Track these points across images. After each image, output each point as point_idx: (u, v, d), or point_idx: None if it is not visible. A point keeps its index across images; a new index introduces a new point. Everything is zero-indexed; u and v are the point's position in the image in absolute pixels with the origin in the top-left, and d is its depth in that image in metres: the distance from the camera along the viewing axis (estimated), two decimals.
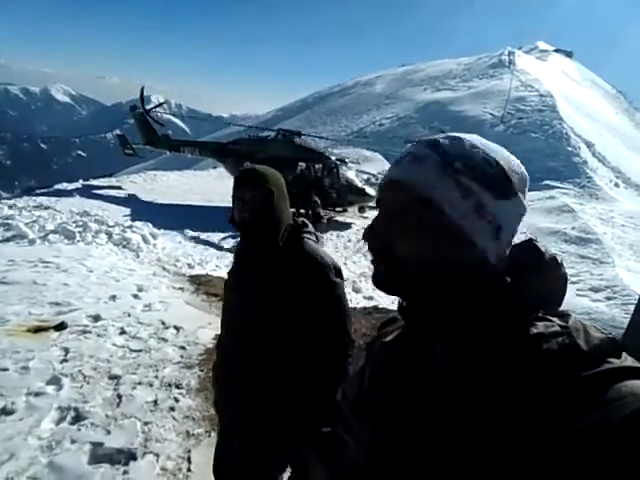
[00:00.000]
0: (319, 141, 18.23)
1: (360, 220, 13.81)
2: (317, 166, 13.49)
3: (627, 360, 0.49)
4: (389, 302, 6.90)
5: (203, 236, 10.17)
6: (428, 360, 0.57)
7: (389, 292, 0.60)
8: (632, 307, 6.91)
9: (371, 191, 14.22)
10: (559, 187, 18.80)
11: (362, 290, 7.46)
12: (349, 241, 11.56)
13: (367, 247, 0.61)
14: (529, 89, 30.60)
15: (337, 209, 13.80)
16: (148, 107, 15.82)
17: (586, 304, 7.34)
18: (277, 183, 1.39)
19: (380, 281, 0.59)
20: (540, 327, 0.52)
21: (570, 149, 22.39)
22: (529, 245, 0.62)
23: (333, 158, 14.03)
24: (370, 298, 7.12)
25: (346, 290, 5.36)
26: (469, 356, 0.54)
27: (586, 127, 27.34)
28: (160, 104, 18.88)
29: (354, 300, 6.90)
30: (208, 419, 2.46)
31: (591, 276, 8.72)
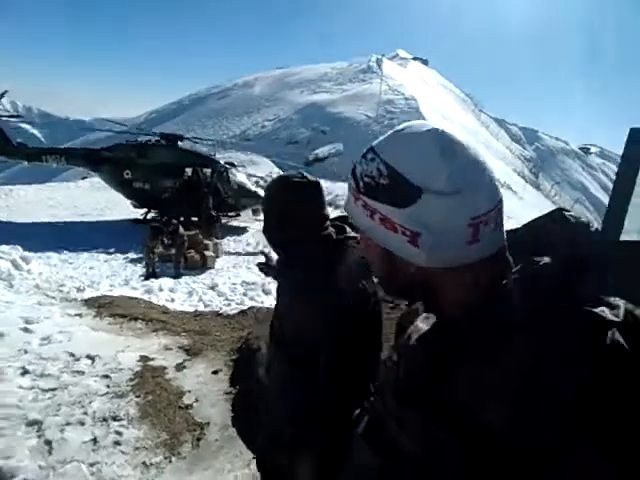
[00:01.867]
0: (201, 145, 17.61)
1: (255, 223, 13.73)
2: (205, 170, 13.03)
3: None
4: None
5: (83, 255, 9.13)
6: (467, 357, 0.55)
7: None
8: None
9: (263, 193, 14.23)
10: None
11: (272, 292, 7.47)
12: (248, 245, 11.46)
13: None
14: (396, 93, 33.61)
15: (230, 214, 13.51)
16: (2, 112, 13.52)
17: None
18: None
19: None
20: (586, 318, 0.50)
21: None
22: (558, 216, 0.63)
23: (222, 162, 13.69)
24: None
25: (256, 292, 5.37)
26: (507, 345, 0.52)
27: (444, 126, 30.88)
28: (16, 116, 16.27)
29: (266, 302, 6.90)
30: (163, 445, 2.30)
31: None
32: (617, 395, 0.46)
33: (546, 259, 0.56)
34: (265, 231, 1.24)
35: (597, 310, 0.50)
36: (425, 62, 60.81)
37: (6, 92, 13.93)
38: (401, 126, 0.59)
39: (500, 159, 35.88)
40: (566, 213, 0.62)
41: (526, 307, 0.53)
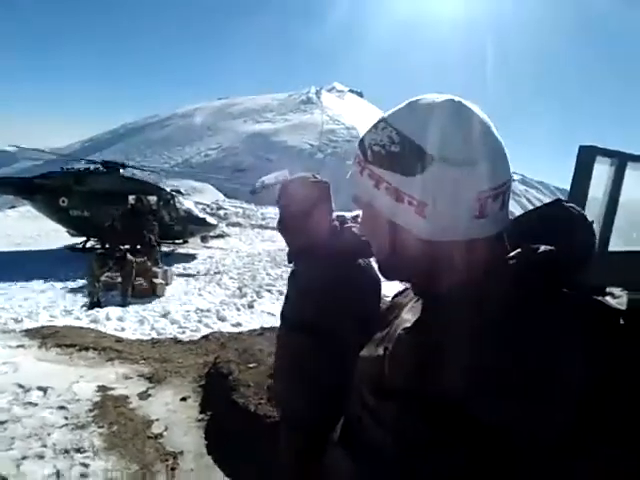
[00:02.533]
0: (144, 173, 17.09)
1: (204, 250, 13.41)
2: (150, 198, 12.62)
3: None
4: (257, 326, 6.93)
5: (16, 286, 8.39)
6: (462, 342, 0.52)
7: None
8: None
9: (212, 220, 13.99)
10: None
11: (227, 318, 7.28)
12: (198, 272, 11.11)
13: None
14: (336, 122, 35.01)
15: (177, 241, 13.11)
16: None
17: None
18: None
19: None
20: (599, 311, 0.50)
21: None
22: (558, 205, 0.63)
23: (168, 189, 13.35)
24: (238, 324, 7.01)
25: (211, 320, 5.26)
26: (505, 331, 0.50)
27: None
28: None
29: (222, 329, 6.68)
30: (134, 477, 2.14)
31: None
32: (632, 388, 0.45)
33: (545, 247, 0.55)
34: (280, 222, 1.33)
35: (601, 299, 0.50)
36: (360, 94, 63.99)
37: None
38: (416, 97, 0.58)
39: None
40: (566, 204, 0.63)
41: (526, 290, 0.51)
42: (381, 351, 0.65)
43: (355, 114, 43.82)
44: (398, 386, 0.58)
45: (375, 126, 0.58)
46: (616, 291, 0.52)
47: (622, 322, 0.48)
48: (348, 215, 1.54)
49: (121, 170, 12.95)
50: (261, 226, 17.48)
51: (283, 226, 1.35)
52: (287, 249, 1.40)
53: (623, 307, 0.49)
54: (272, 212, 19.12)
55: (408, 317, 0.65)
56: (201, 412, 2.95)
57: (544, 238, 0.56)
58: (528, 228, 0.59)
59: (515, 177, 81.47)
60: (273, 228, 17.12)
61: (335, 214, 1.42)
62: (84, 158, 15.17)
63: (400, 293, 0.77)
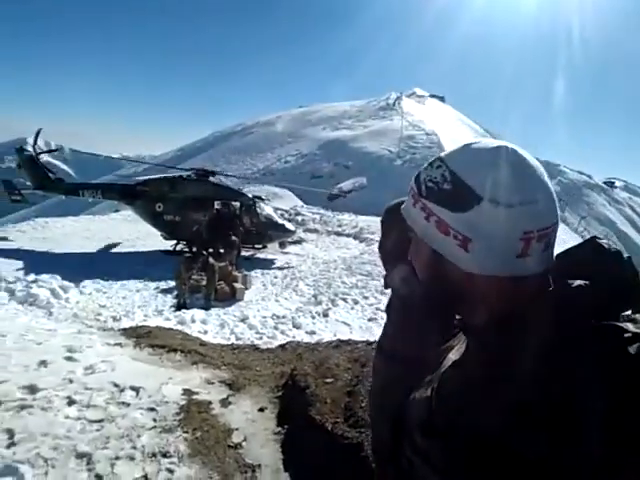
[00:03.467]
0: (226, 179, 18.05)
1: (282, 256, 13.77)
2: (234, 204, 13.29)
3: None
4: (332, 335, 6.92)
5: (116, 285, 9.25)
6: (500, 376, 0.56)
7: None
8: None
9: (290, 226, 14.34)
10: None
11: (302, 326, 7.36)
12: (275, 277, 11.41)
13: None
14: (416, 128, 34.21)
15: (257, 246, 13.63)
16: (39, 150, 14.23)
17: None
18: None
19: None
20: (613, 335, 0.52)
21: None
22: (592, 244, 0.64)
23: (250, 195, 13.96)
24: (312, 332, 7.06)
25: (287, 327, 5.30)
26: (545, 370, 0.53)
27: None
28: (54, 150, 17.18)
29: (297, 336, 6.78)
30: None
31: None
32: None
33: (579, 282, 0.58)
34: (381, 247, 1.26)
35: (621, 324, 0.53)
36: (442, 99, 61.91)
37: (40, 130, 14.67)
38: (471, 140, 0.63)
39: None
40: (600, 241, 0.63)
41: (561, 326, 0.54)
42: (429, 392, 0.69)
43: (436, 119, 42.52)
44: (445, 423, 0.61)
45: (431, 164, 0.64)
46: (637, 316, 0.55)
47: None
48: None
49: (210, 177, 13.82)
50: (337, 233, 17.53)
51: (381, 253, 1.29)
52: (383, 273, 1.33)
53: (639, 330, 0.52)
54: (348, 219, 19.14)
55: (453, 357, 0.70)
56: (278, 425, 2.97)
57: (579, 275, 0.58)
58: (565, 266, 0.62)
59: (617, 183, 73.67)
60: (348, 235, 17.13)
61: None
62: (175, 167, 16.42)
63: (450, 337, 0.81)
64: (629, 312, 0.56)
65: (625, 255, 0.61)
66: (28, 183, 14.21)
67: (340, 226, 18.39)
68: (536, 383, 0.52)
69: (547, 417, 0.50)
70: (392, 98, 45.74)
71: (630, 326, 0.53)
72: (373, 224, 17.67)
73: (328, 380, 3.21)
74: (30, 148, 14.28)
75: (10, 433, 2.46)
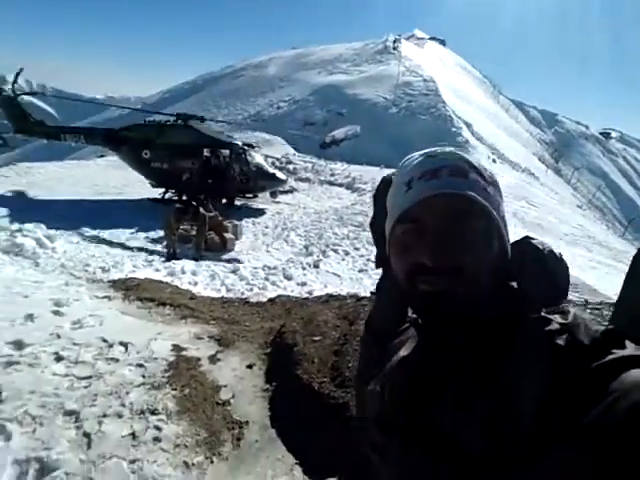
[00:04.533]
0: (216, 125, 17.39)
1: (273, 205, 13.63)
2: (223, 152, 12.90)
3: (630, 348, 0.50)
4: (322, 286, 6.97)
5: (104, 234, 9.11)
6: (453, 373, 0.58)
7: (451, 306, 0.58)
8: None
9: (282, 175, 14.06)
10: None
11: (293, 277, 7.38)
12: (266, 227, 11.34)
13: (434, 269, 0.57)
14: (414, 74, 32.77)
15: (248, 195, 13.42)
16: (14, 88, 13.42)
17: None
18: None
19: (458, 302, 0.57)
20: (542, 327, 0.55)
21: (454, 129, 24.69)
22: (525, 242, 0.65)
23: (239, 143, 13.52)
24: (303, 284, 7.09)
25: (278, 278, 5.30)
26: (489, 364, 0.56)
27: (464, 109, 30.29)
28: (36, 93, 16.24)
29: (288, 288, 6.81)
30: (203, 444, 2.22)
31: None
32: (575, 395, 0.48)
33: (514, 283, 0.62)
34: (373, 224, 1.15)
35: (550, 316, 0.56)
36: (442, 42, 59.14)
37: (21, 70, 13.85)
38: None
39: (521, 143, 35.06)
40: (534, 241, 0.65)
41: (498, 321, 0.58)
42: (379, 388, 0.71)
43: (435, 65, 40.78)
44: (394, 419, 0.63)
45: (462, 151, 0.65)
46: (566, 308, 0.58)
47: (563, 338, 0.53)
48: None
49: (199, 123, 13.28)
50: (330, 182, 17.29)
51: (373, 227, 1.18)
52: (375, 251, 1.24)
53: (567, 321, 0.55)
54: (340, 168, 18.80)
55: (403, 352, 0.71)
56: (266, 382, 3.00)
57: (516, 275, 0.62)
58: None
59: (613, 134, 72.80)
60: (341, 185, 16.90)
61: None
62: (160, 112, 15.73)
63: (402, 332, 0.81)
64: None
65: (557, 253, 0.64)
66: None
67: (332, 175, 18.10)
68: (473, 379, 0.55)
69: (484, 411, 0.52)
70: (390, 40, 43.40)
71: (558, 317, 0.56)
72: (365, 174, 17.39)
73: (316, 338, 3.22)
74: (8, 88, 13.48)
75: None
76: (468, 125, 26.44)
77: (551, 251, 0.64)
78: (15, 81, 13.53)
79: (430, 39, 56.17)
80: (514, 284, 0.62)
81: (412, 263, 0.59)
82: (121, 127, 13.27)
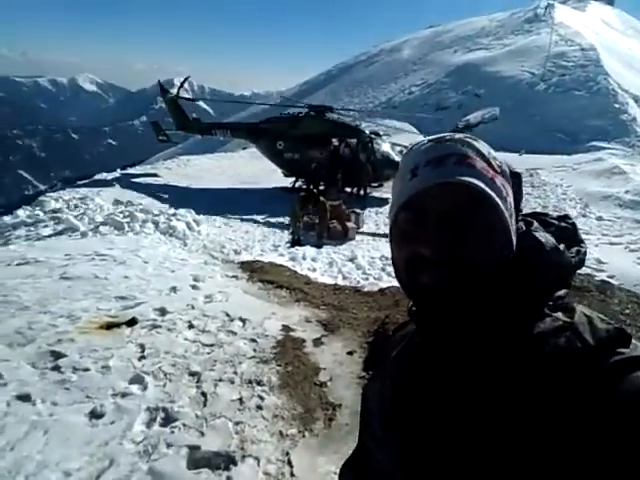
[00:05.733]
0: (346, 114, 17.77)
1: None
2: (351, 141, 13.15)
3: (638, 349, 0.49)
4: None
5: (241, 219, 10.18)
6: (449, 370, 0.58)
7: (450, 299, 0.56)
8: None
9: None
10: (607, 148, 17.69)
11: None
12: (388, 217, 11.30)
13: (434, 261, 0.55)
14: (569, 43, 28.56)
15: (373, 184, 13.50)
16: (179, 92, 15.76)
17: None
18: None
19: (445, 288, 0.55)
20: (544, 325, 0.53)
21: (617, 106, 20.93)
22: (529, 235, 0.62)
23: (367, 131, 13.62)
24: None
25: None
26: (487, 363, 0.54)
27: (633, 81, 25.40)
28: (193, 99, 18.91)
29: None
30: (298, 418, 2.41)
31: None
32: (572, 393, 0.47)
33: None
34: None
35: (555, 314, 0.55)
36: (610, 1, 50.01)
37: (188, 77, 16.15)
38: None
39: None
40: (536, 234, 0.62)
41: (499, 314, 0.57)
42: (378, 384, 0.72)
43: (598, 29, 34.91)
44: (400, 416, 0.62)
45: (475, 139, 0.63)
46: (570, 304, 0.57)
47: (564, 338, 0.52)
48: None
49: (327, 113, 13.80)
50: None
51: None
52: None
53: (572, 320, 0.53)
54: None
55: (408, 354, 0.69)
56: (364, 369, 3.08)
57: (518, 268, 0.59)
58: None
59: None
60: None
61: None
62: (293, 105, 16.69)
63: (401, 327, 0.83)
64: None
65: (561, 247, 0.61)
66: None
67: None
68: (470, 378, 0.54)
69: (477, 407, 0.52)
70: (542, 6, 38.37)
71: (561, 315, 0.54)
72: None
73: None
74: (174, 91, 15.85)
75: (142, 348, 3.01)
76: (637, 100, 22.09)
77: (554, 244, 0.61)
78: (182, 86, 15.84)
79: None
80: (516, 277, 0.59)
81: (412, 253, 0.58)
82: (260, 121, 14.55)
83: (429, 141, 0.63)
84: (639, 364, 0.47)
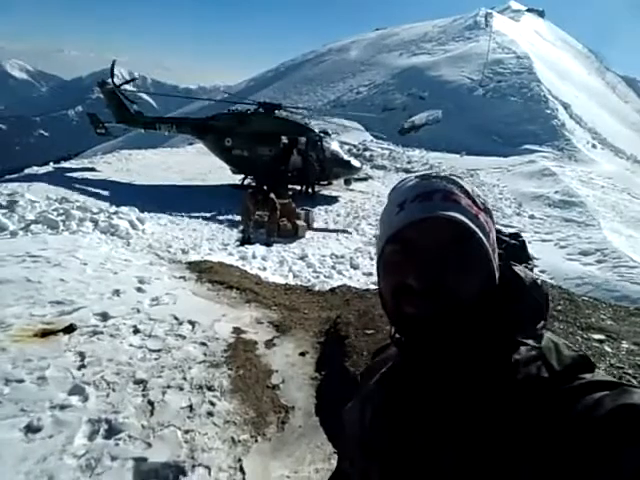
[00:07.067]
0: (296, 112, 17.75)
1: (347, 193, 13.67)
2: (300, 139, 13.16)
3: (598, 375, 0.54)
4: None
5: (188, 217, 9.86)
6: (429, 395, 0.60)
7: (433, 329, 0.58)
8: (623, 270, 7.13)
9: (356, 163, 14.02)
10: (539, 151, 19.04)
11: (360, 267, 7.40)
12: (338, 215, 11.45)
13: (418, 292, 0.58)
14: (506, 51, 30.43)
15: (322, 182, 13.60)
16: (118, 82, 14.88)
17: (578, 268, 7.48)
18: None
19: (429, 318, 0.58)
20: (519, 355, 0.57)
21: (548, 111, 22.60)
22: (508, 268, 0.64)
23: (316, 130, 13.69)
24: (369, 274, 7.09)
25: (345, 267, 5.29)
26: (467, 389, 0.57)
27: (562, 88, 27.56)
28: (131, 80, 17.87)
29: (354, 277, 6.87)
30: (250, 423, 2.37)
31: (579, 240, 8.88)
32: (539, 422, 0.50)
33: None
34: None
35: (528, 341, 0.58)
36: (541, 14, 53.85)
37: (115, 61, 14.99)
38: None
39: (630, 127, 31.05)
40: (516, 268, 0.64)
41: (478, 344, 0.59)
42: (358, 412, 0.72)
43: (531, 40, 37.39)
44: (381, 448, 0.63)
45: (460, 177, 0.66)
46: (540, 332, 0.60)
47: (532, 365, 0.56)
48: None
49: (277, 111, 13.69)
50: (406, 170, 16.87)
51: None
52: None
53: (540, 345, 0.58)
54: (418, 155, 18.26)
55: (389, 382, 0.69)
56: (316, 370, 3.10)
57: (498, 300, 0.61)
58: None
59: None
60: (417, 173, 16.40)
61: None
62: (242, 102, 16.40)
63: (380, 351, 0.85)
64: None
65: (539, 281, 0.64)
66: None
67: (409, 163, 17.63)
68: (450, 404, 0.56)
69: (457, 431, 0.54)
70: (482, 14, 40.45)
71: (531, 342, 0.58)
72: (444, 161, 16.71)
73: (369, 331, 3.24)
74: (110, 81, 14.92)
75: (82, 356, 2.83)
76: (565, 106, 24.01)
77: (532, 279, 0.64)
78: (112, 73, 14.81)
79: (527, 11, 51.52)
80: (496, 310, 0.62)
81: (398, 283, 0.60)
82: (207, 117, 14.14)
83: (416, 177, 0.66)
84: (597, 388, 0.50)
